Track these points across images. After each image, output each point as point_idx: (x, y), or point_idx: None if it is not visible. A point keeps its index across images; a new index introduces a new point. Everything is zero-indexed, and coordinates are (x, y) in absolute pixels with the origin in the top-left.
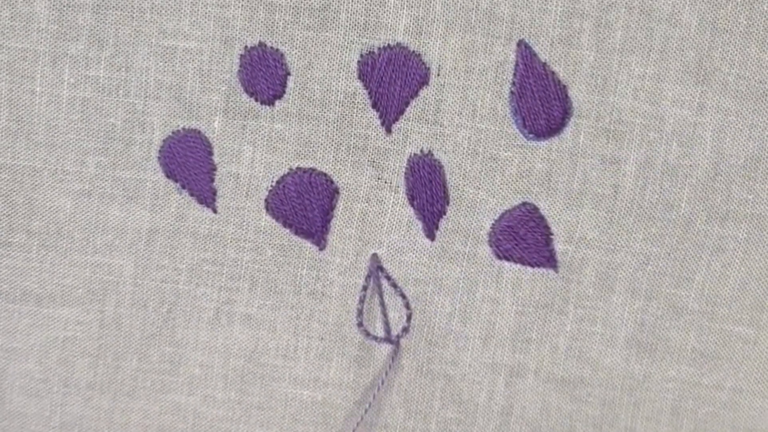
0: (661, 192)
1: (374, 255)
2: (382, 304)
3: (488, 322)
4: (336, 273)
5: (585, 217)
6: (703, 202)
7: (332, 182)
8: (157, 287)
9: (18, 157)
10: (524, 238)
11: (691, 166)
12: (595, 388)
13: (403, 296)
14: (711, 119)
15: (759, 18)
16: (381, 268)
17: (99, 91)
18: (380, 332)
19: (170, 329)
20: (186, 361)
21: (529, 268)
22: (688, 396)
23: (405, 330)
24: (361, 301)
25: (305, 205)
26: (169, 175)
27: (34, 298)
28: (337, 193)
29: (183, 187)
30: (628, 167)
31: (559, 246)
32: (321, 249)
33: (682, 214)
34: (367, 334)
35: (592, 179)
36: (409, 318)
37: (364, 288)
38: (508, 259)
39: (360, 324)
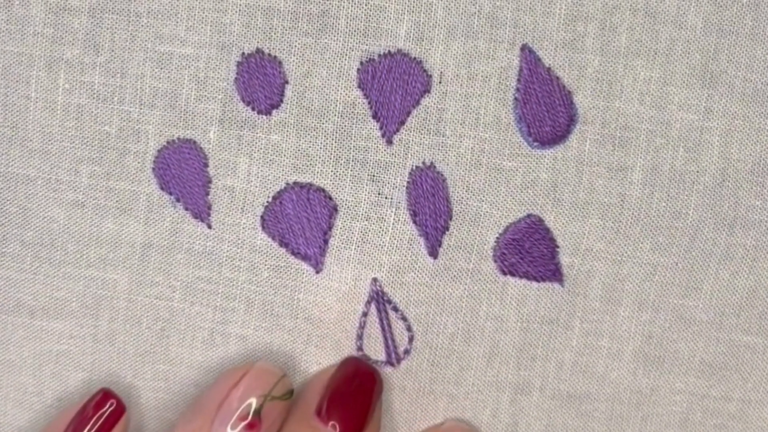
0: (668, 200)
1: (374, 280)
2: (383, 328)
3: (492, 340)
4: (334, 299)
5: (591, 228)
6: (711, 209)
7: (330, 199)
8: (152, 304)
9: (12, 165)
10: (530, 251)
11: (698, 171)
12: (601, 403)
13: (405, 319)
14: (718, 123)
15: (765, 19)
16: (382, 293)
17: (94, 98)
18: (381, 356)
19: (164, 347)
20: (180, 380)
21: (534, 283)
22: (697, 408)
23: (406, 352)
24: (361, 326)
25: (302, 224)
26: (164, 187)
27: (27, 310)
28: (336, 210)
29: (177, 200)
30: (635, 175)
31: (565, 259)
32: (318, 272)
33: (690, 222)
34: (368, 358)
35: (598, 188)
36: (410, 340)
37: (364, 314)
38: (513, 274)
39: (360, 348)
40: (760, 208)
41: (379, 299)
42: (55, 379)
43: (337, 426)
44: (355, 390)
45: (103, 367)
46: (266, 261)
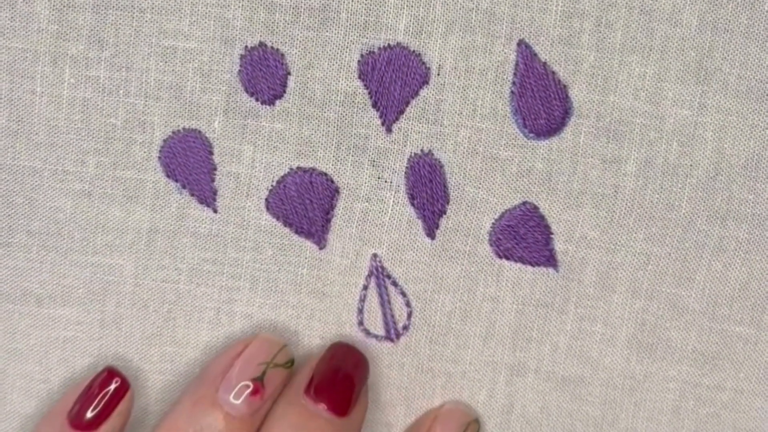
0: (661, 192)
1: (374, 255)
2: (383, 303)
3: (488, 321)
4: (336, 273)
5: (585, 216)
6: (704, 202)
7: (332, 182)
8: (158, 287)
9: (18, 158)
10: (524, 237)
11: (691, 165)
12: (595, 388)
13: (404, 294)
14: (712, 119)
15: (760, 18)
16: (381, 268)
17: (99, 92)
18: (380, 331)
19: (171, 329)
20: (187, 361)
21: (529, 267)
22: (689, 396)
23: (405, 328)
24: (362, 300)
25: (306, 204)
26: (170, 175)
27: (35, 298)
28: (338, 192)
29: (183, 187)
30: (629, 167)
31: (559, 245)
32: (321, 248)
33: (683, 214)
34: (368, 333)
35: (592, 179)
36: (409, 316)
37: (365, 287)
38: (508, 258)
39: (360, 323)
40: (753, 202)
41: (379, 274)
42: (62, 365)
43: (326, 406)
44: (343, 373)
45: (110, 352)
46: (271, 240)
